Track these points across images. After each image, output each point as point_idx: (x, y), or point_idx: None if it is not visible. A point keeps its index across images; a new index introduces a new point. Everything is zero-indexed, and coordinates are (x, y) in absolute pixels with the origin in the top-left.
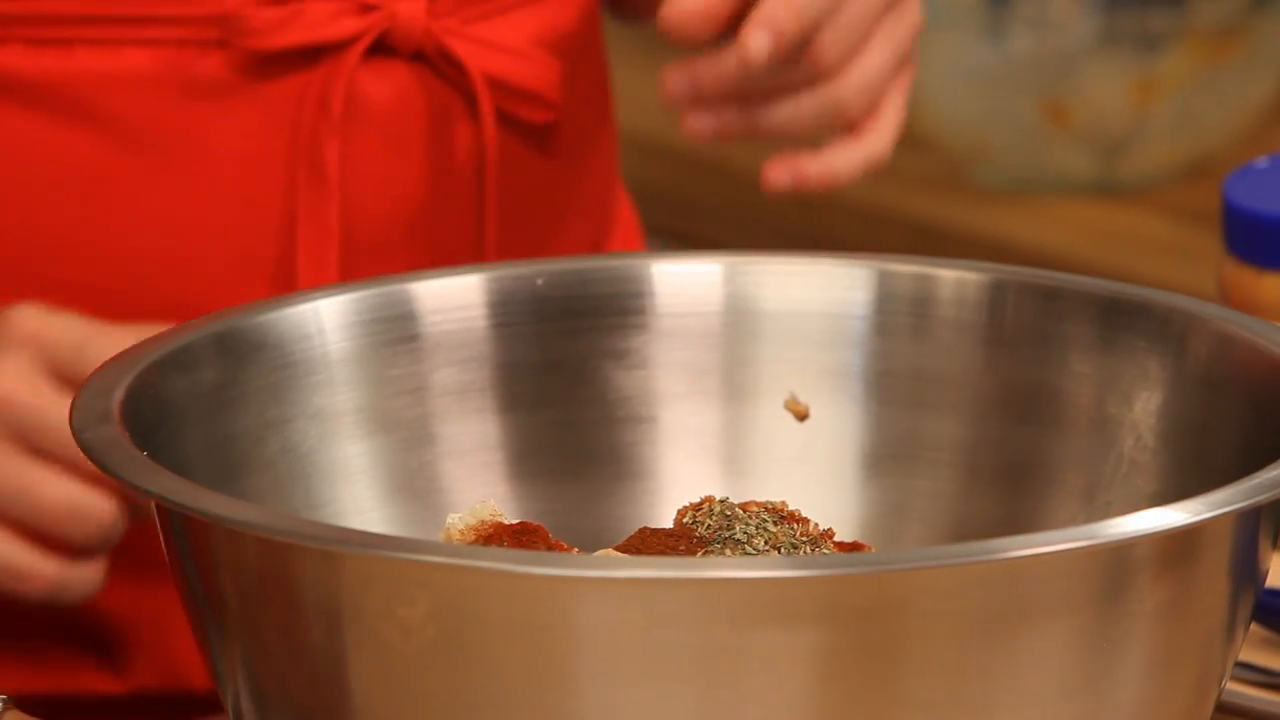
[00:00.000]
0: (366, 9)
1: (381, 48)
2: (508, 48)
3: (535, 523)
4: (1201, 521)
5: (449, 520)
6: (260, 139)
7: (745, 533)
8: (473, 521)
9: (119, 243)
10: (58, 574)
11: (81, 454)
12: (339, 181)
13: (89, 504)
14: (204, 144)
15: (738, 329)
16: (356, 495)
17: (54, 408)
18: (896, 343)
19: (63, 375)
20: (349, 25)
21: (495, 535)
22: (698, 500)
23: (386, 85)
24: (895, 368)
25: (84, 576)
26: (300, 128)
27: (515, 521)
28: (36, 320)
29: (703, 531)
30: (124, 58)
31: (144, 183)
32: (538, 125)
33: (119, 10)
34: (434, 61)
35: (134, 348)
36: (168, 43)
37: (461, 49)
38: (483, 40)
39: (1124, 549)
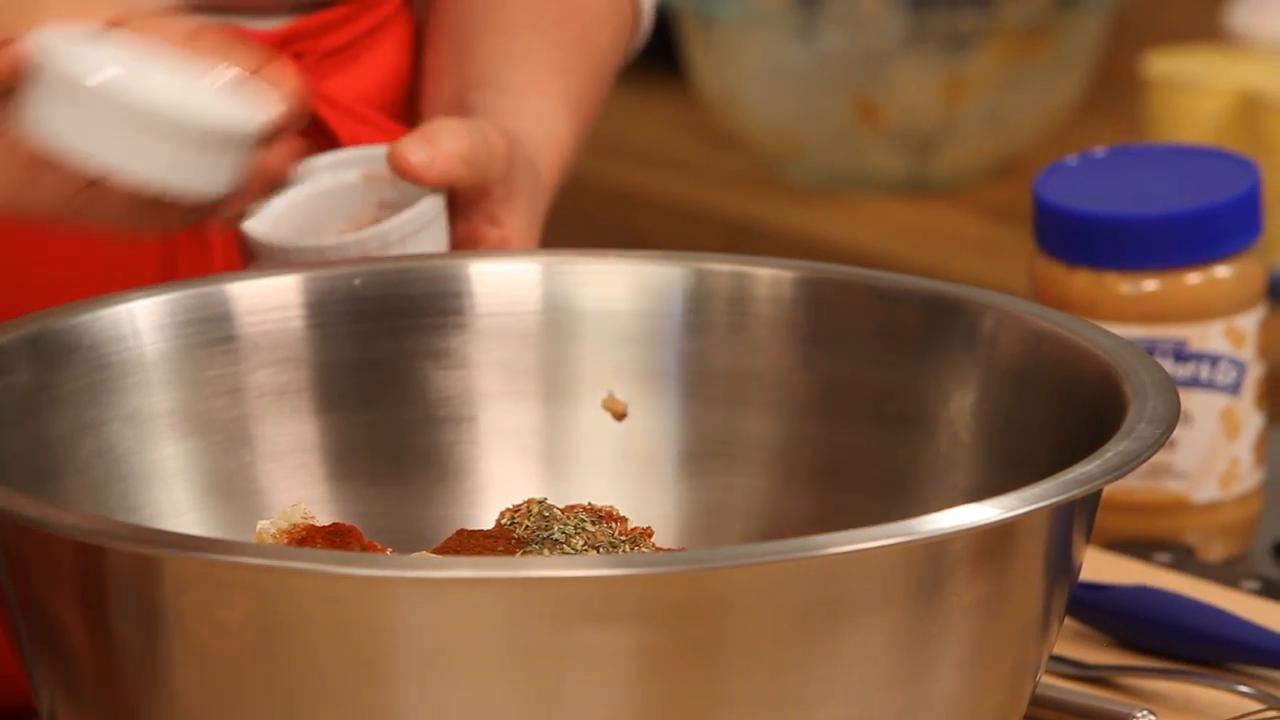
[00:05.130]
0: None
1: None
2: (366, 119)
3: (348, 524)
4: (1016, 517)
5: (259, 526)
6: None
7: (564, 533)
8: (284, 525)
9: None
10: None
11: None
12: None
13: None
14: None
15: (556, 328)
16: (173, 497)
17: None
18: (713, 341)
19: None
20: None
21: (308, 537)
22: (519, 503)
23: None
24: (712, 366)
25: None
26: None
27: (328, 523)
28: None
29: (521, 532)
30: None
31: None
32: None
33: None
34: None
35: None
36: None
37: (331, 118)
38: (345, 109)
39: (940, 545)
